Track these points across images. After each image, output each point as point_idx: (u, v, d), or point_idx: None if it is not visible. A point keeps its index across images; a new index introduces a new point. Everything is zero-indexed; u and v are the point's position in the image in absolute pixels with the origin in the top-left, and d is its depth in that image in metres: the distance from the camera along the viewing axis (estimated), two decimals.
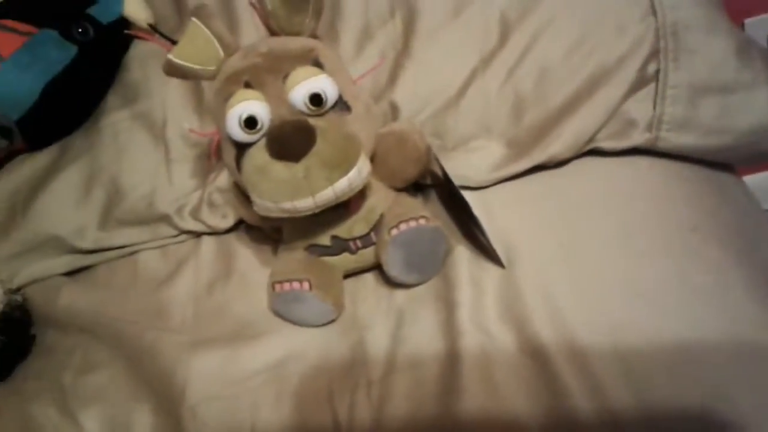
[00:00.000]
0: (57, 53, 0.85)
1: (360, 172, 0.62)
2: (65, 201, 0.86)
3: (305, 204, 0.61)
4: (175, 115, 0.88)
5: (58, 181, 0.87)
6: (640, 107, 0.72)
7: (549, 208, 0.72)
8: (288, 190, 0.60)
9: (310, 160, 0.59)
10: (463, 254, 0.70)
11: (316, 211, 0.62)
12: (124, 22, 0.90)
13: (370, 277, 0.74)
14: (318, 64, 0.62)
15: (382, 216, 0.69)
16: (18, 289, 0.86)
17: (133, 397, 0.70)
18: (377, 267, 0.73)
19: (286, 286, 0.68)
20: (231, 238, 0.84)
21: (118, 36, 0.90)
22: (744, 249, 0.65)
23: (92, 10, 0.88)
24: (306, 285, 0.68)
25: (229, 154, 0.65)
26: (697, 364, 0.56)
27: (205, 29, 0.63)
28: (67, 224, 0.86)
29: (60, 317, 0.81)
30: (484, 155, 0.76)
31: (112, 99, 0.90)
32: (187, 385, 0.66)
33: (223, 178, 0.84)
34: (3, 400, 0.75)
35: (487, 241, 0.66)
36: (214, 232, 0.84)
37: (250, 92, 0.61)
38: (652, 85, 0.72)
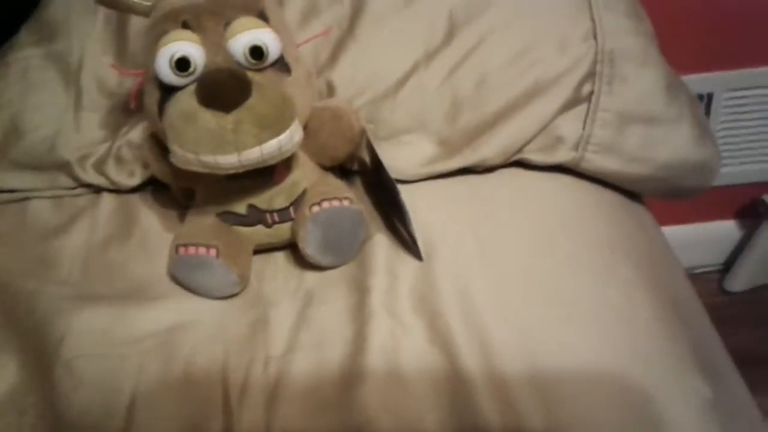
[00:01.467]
0: None
1: (292, 137, 0.59)
2: None
3: (229, 160, 0.57)
4: (92, 61, 0.82)
5: None
6: (570, 125, 0.74)
7: (472, 209, 0.71)
8: (213, 141, 0.56)
9: (242, 113, 0.56)
10: (381, 242, 0.68)
11: (239, 170, 0.59)
12: None
13: (280, 256, 0.71)
14: (263, 17, 0.60)
15: (304, 191, 0.67)
16: None
17: (1, 347, 0.63)
18: (289, 246, 0.70)
19: (191, 249, 0.64)
20: (134, 198, 0.79)
21: None
22: (653, 274, 0.67)
23: None
24: (213, 252, 0.64)
25: (152, 96, 0.60)
26: (606, 377, 0.56)
27: None
28: None
29: None
30: (415, 150, 0.75)
31: (25, 34, 0.84)
32: (65, 339, 0.61)
33: (136, 133, 0.79)
34: None
35: (410, 230, 0.65)
36: (116, 190, 0.79)
37: (186, 33, 0.58)
38: (584, 106, 0.74)
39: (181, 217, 0.74)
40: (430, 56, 0.77)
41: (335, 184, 0.68)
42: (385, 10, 0.79)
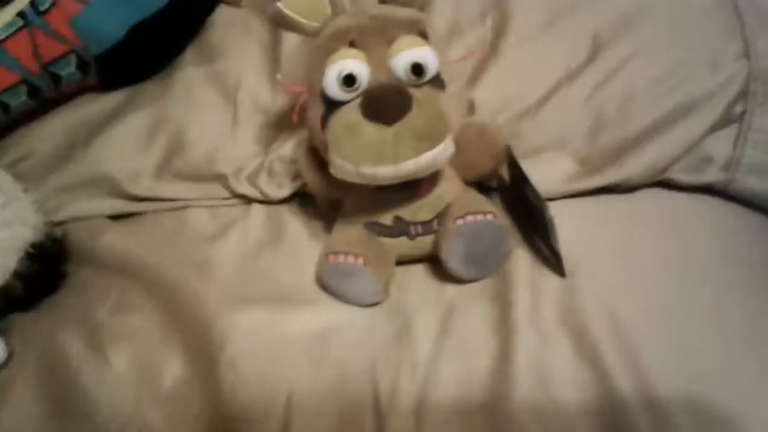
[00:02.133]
0: None
1: (445, 150, 0.61)
2: (126, 144, 0.86)
3: (386, 171, 0.60)
4: (248, 81, 0.88)
5: (123, 124, 0.86)
6: (719, 145, 0.72)
7: (614, 229, 0.71)
8: (373, 153, 0.59)
9: (403, 126, 0.59)
10: (522, 257, 0.69)
11: (394, 181, 0.62)
12: None
13: (419, 269, 0.73)
14: (424, 36, 0.63)
15: (448, 205, 0.69)
16: (60, 223, 0.85)
17: (166, 343, 0.68)
18: (429, 259, 0.72)
19: (341, 258, 0.67)
20: (282, 209, 0.83)
21: None
22: None
23: None
24: (361, 260, 0.67)
25: (317, 111, 0.65)
26: (753, 391, 0.54)
27: None
28: (124, 167, 0.85)
29: (99, 256, 0.80)
30: (555, 167, 0.76)
31: (190, 55, 0.90)
32: (228, 339, 0.65)
33: (286, 148, 0.83)
34: (30, 327, 0.73)
35: (554, 246, 0.65)
36: (266, 201, 0.83)
37: (353, 51, 0.61)
38: (736, 126, 0.72)
39: (326, 227, 0.78)
40: (572, 75, 0.78)
41: (478, 198, 0.70)
42: (527, 30, 0.81)
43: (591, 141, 0.76)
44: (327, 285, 0.69)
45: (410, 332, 0.65)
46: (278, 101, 0.86)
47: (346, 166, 0.61)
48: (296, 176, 0.82)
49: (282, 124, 0.85)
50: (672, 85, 0.74)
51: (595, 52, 0.77)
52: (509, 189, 0.75)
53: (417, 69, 0.61)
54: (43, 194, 0.84)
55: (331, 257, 0.68)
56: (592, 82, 0.76)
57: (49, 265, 0.80)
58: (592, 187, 0.74)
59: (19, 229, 0.77)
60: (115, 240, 0.81)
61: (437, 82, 0.63)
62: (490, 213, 0.66)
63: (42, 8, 0.82)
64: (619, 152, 0.74)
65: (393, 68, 0.61)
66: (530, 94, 0.78)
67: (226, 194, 0.85)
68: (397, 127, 0.59)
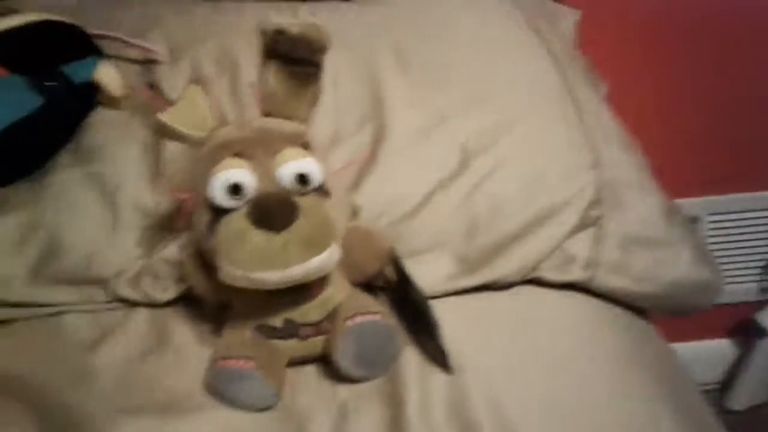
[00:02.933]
0: (22, 100, 0.84)
1: (332, 255, 0.64)
2: None
3: (275, 277, 0.62)
4: (129, 183, 0.87)
5: None
6: (580, 246, 0.80)
7: (494, 324, 0.76)
8: (263, 259, 0.61)
9: (290, 234, 0.61)
10: (411, 355, 0.72)
11: (282, 286, 0.63)
12: (93, 86, 0.91)
13: (311, 369, 0.74)
14: (307, 147, 0.66)
15: (338, 306, 0.71)
16: None
17: None
18: (320, 359, 0.73)
19: (232, 362, 0.67)
20: (168, 312, 0.82)
21: (85, 98, 0.91)
22: (668, 384, 0.71)
23: (66, 68, 0.88)
24: (252, 364, 0.67)
25: (203, 218, 0.65)
26: None
27: (202, 98, 0.65)
28: None
29: None
30: (435, 267, 0.80)
31: (65, 157, 0.89)
32: None
33: (170, 250, 0.83)
34: None
35: (440, 343, 0.68)
36: (150, 304, 0.82)
37: (239, 161, 0.64)
38: (592, 229, 0.80)
39: (214, 330, 0.77)
40: (446, 182, 0.84)
41: (366, 299, 0.73)
42: (403, 141, 0.87)
43: (467, 242, 0.81)
44: (217, 390, 0.69)
45: None
46: (161, 204, 0.86)
47: (235, 272, 0.62)
48: (181, 278, 0.81)
49: (164, 226, 0.85)
50: (533, 193, 0.81)
51: (465, 162, 0.84)
52: (395, 289, 0.78)
53: (302, 179, 0.64)
54: None
55: (221, 362, 0.67)
56: (464, 189, 0.83)
57: None
58: (471, 285, 0.79)
59: None
60: None
61: (322, 190, 0.66)
62: (378, 313, 0.69)
63: None
64: (493, 253, 0.80)
65: (279, 178, 0.64)
66: (408, 200, 0.83)
67: (107, 298, 0.82)
68: (285, 234, 0.61)
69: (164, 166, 0.88)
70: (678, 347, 0.87)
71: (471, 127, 0.87)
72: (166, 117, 0.65)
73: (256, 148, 0.64)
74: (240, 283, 0.63)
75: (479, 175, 0.83)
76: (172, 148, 0.88)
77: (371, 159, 0.86)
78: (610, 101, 1.00)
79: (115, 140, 0.90)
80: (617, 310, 0.80)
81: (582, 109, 0.90)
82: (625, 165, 0.85)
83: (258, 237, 0.61)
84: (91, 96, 0.91)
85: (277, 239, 0.61)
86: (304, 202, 0.63)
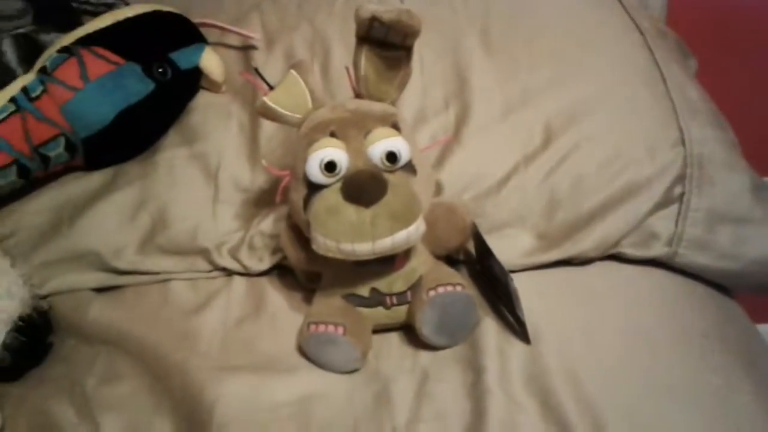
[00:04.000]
0: (136, 86, 0.91)
1: (418, 229, 0.68)
2: (111, 221, 0.90)
3: (364, 248, 0.66)
4: (228, 161, 0.94)
5: (107, 201, 0.91)
6: (663, 223, 0.80)
7: (573, 297, 0.78)
8: (353, 231, 0.66)
9: (379, 208, 0.65)
10: (490, 326, 0.75)
11: (371, 257, 0.68)
12: (198, 72, 0.97)
13: (395, 336, 0.78)
14: (396, 128, 0.70)
15: (420, 277, 0.75)
16: (46, 297, 0.88)
17: (156, 410, 0.71)
18: (404, 328, 0.77)
19: (321, 327, 0.72)
20: (263, 281, 0.88)
21: (190, 82, 0.98)
22: (748, 360, 0.71)
23: (174, 55, 0.96)
24: (341, 329, 0.72)
25: (299, 193, 0.71)
26: None
27: (301, 81, 0.70)
28: (108, 243, 0.89)
29: (85, 328, 0.83)
30: (516, 242, 0.83)
31: (172, 137, 0.96)
32: (216, 406, 0.68)
33: (266, 224, 0.89)
34: (19, 397, 0.75)
35: (519, 315, 0.71)
36: (247, 273, 0.88)
37: (334, 140, 0.68)
38: (676, 206, 0.81)
39: (305, 299, 0.83)
40: (528, 159, 0.86)
41: (448, 271, 0.76)
42: (486, 120, 0.89)
43: (547, 218, 0.83)
44: (308, 353, 0.74)
45: (389, 398, 0.70)
46: (257, 181, 0.92)
47: (327, 243, 0.67)
48: (276, 250, 0.87)
49: (261, 201, 0.91)
50: (616, 171, 0.82)
51: (547, 139, 0.86)
52: (475, 262, 0.82)
53: (391, 157, 0.68)
54: (30, 269, 0.87)
55: (312, 327, 0.73)
56: (546, 166, 0.84)
57: (36, 336, 0.82)
58: (550, 260, 0.81)
59: (7, 302, 0.80)
60: (101, 312, 0.84)
61: (409, 167, 0.70)
62: (459, 284, 0.72)
63: (34, 95, 0.87)
64: (573, 229, 0.81)
65: (370, 156, 0.68)
66: (491, 176, 0.85)
67: (208, 267, 0.89)
68: (375, 209, 0.65)
69: (260, 146, 0.94)
70: (763, 328, 0.86)
71: (555, 105, 0.88)
72: (268, 99, 0.70)
73: (349, 129, 0.69)
74: (332, 254, 0.68)
75: (562, 153, 0.84)
76: (267, 129, 0.95)
77: (455, 138, 0.89)
78: (700, 77, 0.99)
79: (216, 121, 0.97)
80: (700, 287, 0.81)
81: (670, 86, 0.89)
82: (712, 142, 0.84)
83: (349, 211, 0.65)
84: (196, 81, 0.99)
85: (367, 213, 0.65)
86: (393, 179, 0.68)
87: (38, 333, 0.84)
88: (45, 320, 0.85)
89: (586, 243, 0.80)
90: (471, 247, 0.82)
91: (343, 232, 0.66)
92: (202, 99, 1.00)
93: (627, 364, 0.69)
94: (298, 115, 0.72)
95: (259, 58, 1.01)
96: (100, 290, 0.90)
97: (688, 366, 0.69)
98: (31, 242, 0.89)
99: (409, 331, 0.76)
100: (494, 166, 0.86)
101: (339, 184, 0.67)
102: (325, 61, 0.98)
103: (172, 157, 0.94)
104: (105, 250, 0.89)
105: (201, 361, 0.75)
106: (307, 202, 0.70)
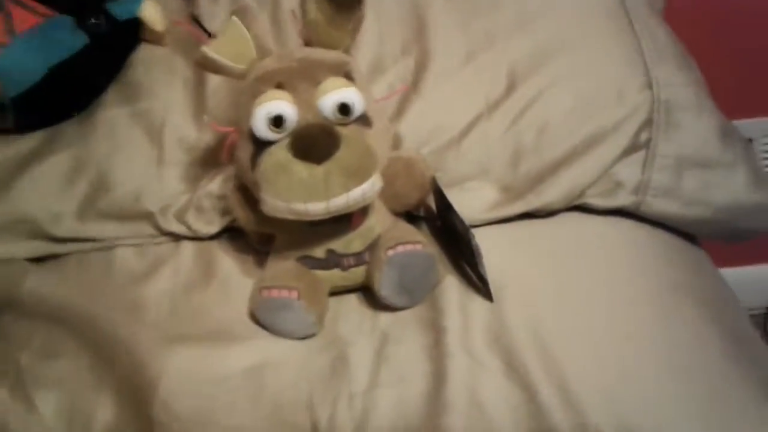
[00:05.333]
0: (68, 39, 0.84)
1: (374, 185, 0.64)
2: (47, 185, 0.84)
3: (317, 207, 0.62)
4: (173, 119, 0.88)
5: (42, 165, 0.85)
6: (629, 171, 0.77)
7: (537, 251, 0.75)
8: (304, 190, 0.61)
9: (332, 164, 0.61)
10: (451, 284, 0.72)
11: (325, 216, 0.63)
12: (137, 23, 0.90)
13: (353, 298, 0.74)
14: (349, 77, 0.65)
15: (379, 236, 0.71)
16: None
17: (96, 387, 0.67)
18: (361, 289, 0.74)
19: (275, 292, 0.68)
20: (212, 245, 0.83)
21: (129, 35, 0.91)
22: (717, 311, 0.69)
23: (111, 5, 0.88)
24: (295, 293, 0.68)
25: (246, 150, 0.66)
26: (682, 412, 0.58)
27: (244, 29, 0.64)
28: (45, 209, 0.83)
29: (21, 301, 0.78)
30: (479, 196, 0.79)
31: (112, 95, 0.90)
32: (161, 379, 0.64)
33: (214, 185, 0.83)
34: None
35: (481, 272, 0.68)
36: (195, 237, 0.83)
37: (281, 93, 0.63)
38: (643, 152, 0.78)
39: (258, 262, 0.79)
40: (491, 107, 0.81)
41: (407, 228, 0.72)
42: (446, 66, 0.84)
43: (512, 170, 0.79)
44: (261, 319, 0.70)
45: (346, 363, 0.66)
46: (204, 139, 0.86)
47: (277, 204, 0.63)
48: (226, 212, 0.82)
49: (208, 161, 0.86)
50: (583, 116, 0.78)
51: (511, 86, 0.82)
52: (436, 218, 0.78)
53: (344, 109, 0.63)
54: None
55: (265, 291, 0.69)
56: (510, 114, 0.80)
57: None
58: (514, 213, 0.78)
59: None
60: (38, 283, 0.79)
61: (363, 119, 0.66)
62: (419, 243, 0.69)
63: None
64: (538, 180, 0.78)
65: (320, 109, 0.63)
66: (452, 127, 0.81)
67: (154, 232, 0.84)
68: (327, 165, 0.60)
69: (206, 101, 0.88)
70: (726, 272, 0.84)
71: (518, 49, 0.83)
72: (208, 49, 0.65)
73: (298, 79, 0.64)
74: (283, 215, 0.63)
75: (526, 100, 0.80)
76: (213, 83, 0.88)
77: (414, 87, 0.84)
78: (666, 17, 0.95)
79: (158, 77, 0.91)
80: (666, 236, 0.78)
81: (637, 27, 0.85)
82: (680, 85, 0.81)
83: (299, 168, 0.61)
84: (135, 32, 0.91)
85: (319, 170, 0.61)
86: (346, 132, 0.63)
87: None
88: None
89: (551, 194, 0.77)
90: (431, 202, 0.78)
91: (294, 192, 0.61)
92: (143, 52, 0.93)
93: (594, 321, 0.66)
94: (241, 66, 0.66)
95: (203, 5, 0.94)
96: (37, 260, 0.84)
97: (658, 320, 0.66)
98: None
99: (367, 292, 0.73)
100: (455, 116, 0.82)
101: (288, 140, 0.63)
102: (274, 7, 0.92)
103: (112, 116, 0.88)
104: (41, 216, 0.83)
105: (147, 333, 0.71)
106: (254, 160, 0.65)
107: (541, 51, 0.83)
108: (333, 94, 0.63)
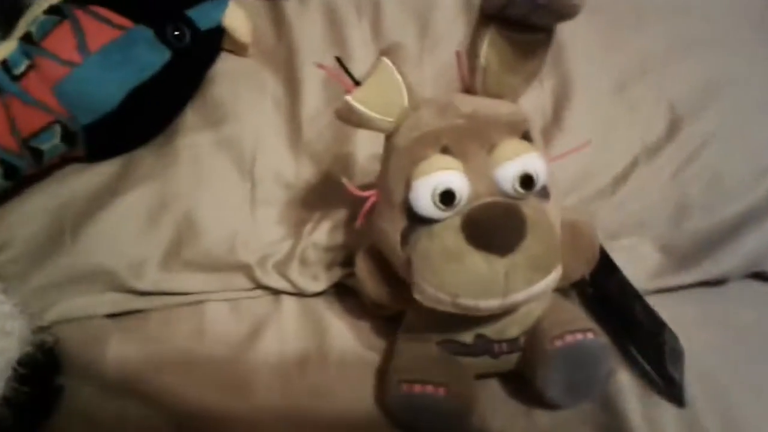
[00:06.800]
0: (149, 56, 0.71)
1: (556, 276, 0.51)
2: (126, 228, 0.72)
3: (491, 304, 0.50)
4: (266, 149, 0.75)
5: (120, 204, 0.72)
6: None
7: (717, 333, 0.64)
8: (481, 286, 0.49)
9: (518, 256, 0.48)
10: (625, 379, 0.60)
11: (496, 312, 0.51)
12: (221, 32, 0.77)
13: (496, 384, 0.63)
14: (527, 138, 0.52)
15: (537, 319, 0.59)
16: (48, 327, 0.70)
17: None
18: (508, 374, 0.62)
19: (418, 388, 0.57)
20: (318, 302, 0.72)
21: (213, 46, 0.78)
22: None
23: (191, 13, 0.75)
24: (442, 391, 0.56)
25: (395, 224, 0.53)
26: None
27: (397, 74, 0.51)
28: (124, 256, 0.71)
29: (103, 369, 0.66)
30: (637, 258, 0.67)
31: (191, 116, 0.77)
32: None
33: (321, 233, 0.71)
34: None
35: (673, 374, 0.56)
36: (297, 294, 0.71)
37: (449, 160, 0.50)
38: None
39: (376, 330, 0.68)
40: (651, 151, 0.70)
41: (572, 311, 0.61)
42: (593, 96, 0.72)
43: (675, 227, 0.68)
44: (399, 417, 0.59)
45: None
46: (303, 173, 0.74)
47: (439, 296, 0.51)
48: (333, 265, 0.71)
49: (309, 201, 0.74)
50: (762, 170, 0.66)
51: (674, 126, 0.69)
52: (588, 284, 0.66)
53: (527, 181, 0.50)
54: (28, 293, 0.69)
55: (406, 386, 0.57)
56: (674, 161, 0.69)
57: (41, 381, 0.65)
58: (685, 283, 0.65)
59: (2, 342, 0.63)
60: (122, 349, 0.67)
61: (542, 191, 0.53)
62: (590, 331, 0.57)
63: (17, 72, 0.67)
64: (709, 241, 0.66)
65: (498, 181, 0.50)
66: (605, 171, 0.70)
67: (250, 285, 0.72)
68: (512, 258, 0.48)
69: (302, 128, 0.75)
70: None
71: (680, 79, 0.71)
72: (354, 98, 0.51)
73: (468, 141, 0.51)
74: (443, 308, 0.51)
75: (693, 145, 0.68)
76: (310, 106, 0.76)
77: (554, 121, 0.71)
78: None
79: (245, 95, 0.78)
80: None
81: None
82: None
83: (477, 259, 0.48)
84: (218, 43, 0.78)
85: (500, 263, 0.48)
86: (530, 213, 0.50)
87: (44, 376, 0.66)
88: (51, 358, 0.67)
89: (729, 261, 0.66)
90: None
91: (467, 286, 0.49)
92: (224, 64, 0.80)
93: None
94: (389, 119, 0.53)
95: (293, 11, 0.81)
96: (115, 316, 0.71)
97: None
98: (27, 259, 0.71)
99: (515, 378, 0.61)
100: (608, 159, 0.71)
101: (458, 220, 0.50)
102: (375, 20, 0.78)
103: (194, 144, 0.75)
104: (120, 266, 0.71)
105: (259, 419, 0.60)
106: (407, 236, 0.52)
107: (707, 83, 0.71)
108: (515, 163, 0.50)
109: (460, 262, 0.49)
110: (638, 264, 0.67)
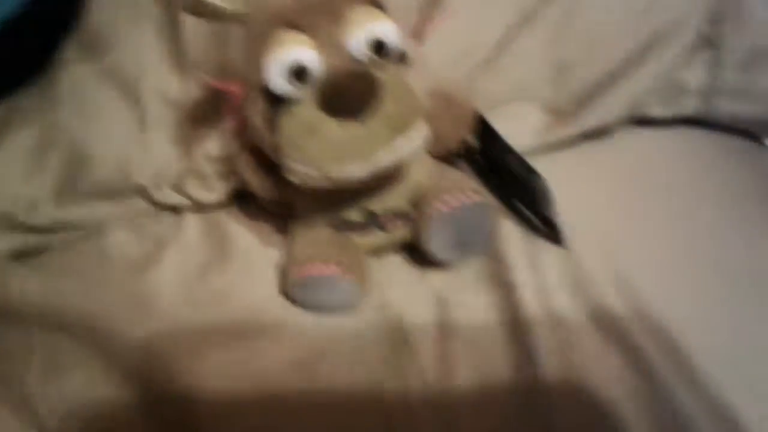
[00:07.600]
0: None
1: (421, 134, 0.52)
2: (13, 169, 0.71)
3: (358, 170, 0.51)
4: (149, 72, 0.74)
5: (7, 147, 0.71)
6: (694, 73, 0.68)
7: (599, 180, 0.66)
8: (341, 152, 0.50)
9: (374, 118, 0.49)
10: (511, 231, 0.62)
11: (367, 179, 0.52)
12: None
13: (393, 257, 0.65)
14: (377, 5, 0.52)
15: (423, 188, 0.60)
16: None
17: (118, 404, 0.57)
18: (404, 245, 0.64)
19: (313, 269, 0.58)
20: (220, 215, 0.72)
21: None
22: None
23: None
24: (334, 268, 0.58)
25: (259, 110, 0.53)
26: None
27: None
28: (16, 197, 0.70)
29: (8, 309, 0.66)
30: (523, 119, 0.69)
31: (71, 47, 0.75)
32: (195, 388, 0.55)
33: (212, 145, 0.71)
34: None
35: (549, 215, 0.58)
36: (198, 208, 0.72)
37: (298, 36, 0.50)
38: (708, 50, 0.67)
39: (278, 229, 0.68)
40: (527, 17, 0.70)
41: (456, 176, 0.62)
42: None
43: (557, 88, 0.69)
44: (298, 300, 0.60)
45: (405, 334, 0.57)
46: (188, 90, 0.73)
47: (309, 172, 0.51)
48: (229, 174, 0.70)
49: (198, 116, 0.73)
50: (636, 16, 0.67)
51: None
52: (476, 152, 0.67)
53: (378, 46, 0.50)
54: None
55: (299, 269, 0.58)
56: (550, 23, 0.69)
57: None
58: (568, 135, 0.68)
59: None
60: (26, 287, 0.67)
61: (400, 56, 0.53)
62: (471, 191, 0.58)
63: None
64: (590, 96, 0.68)
65: (350, 50, 0.50)
66: (484, 44, 0.70)
67: (150, 207, 0.72)
68: (367, 120, 0.49)
69: (185, 46, 0.74)
70: None
71: None
72: None
73: (316, 15, 0.51)
74: (317, 184, 0.52)
75: (567, 4, 0.69)
76: (190, 23, 0.74)
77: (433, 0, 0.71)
78: None
79: (123, 22, 0.75)
80: (741, 142, 0.69)
81: None
82: None
83: (333, 127, 0.49)
84: None
85: (358, 127, 0.49)
86: (384, 76, 0.51)
87: None
88: None
89: (607, 108, 0.67)
90: (471, 136, 0.67)
91: (328, 155, 0.50)
92: None
93: (679, 250, 0.58)
94: (237, 7, 0.52)
95: None
96: (18, 258, 0.71)
97: (744, 236, 0.59)
98: None
99: (410, 249, 0.63)
100: (486, 31, 0.70)
101: (315, 94, 0.50)
102: None
103: (76, 76, 0.74)
104: (13, 206, 0.70)
105: (164, 331, 0.60)
106: (271, 120, 0.53)
107: None
108: (363, 30, 0.50)
109: (317, 132, 0.49)
110: (521, 125, 0.68)
